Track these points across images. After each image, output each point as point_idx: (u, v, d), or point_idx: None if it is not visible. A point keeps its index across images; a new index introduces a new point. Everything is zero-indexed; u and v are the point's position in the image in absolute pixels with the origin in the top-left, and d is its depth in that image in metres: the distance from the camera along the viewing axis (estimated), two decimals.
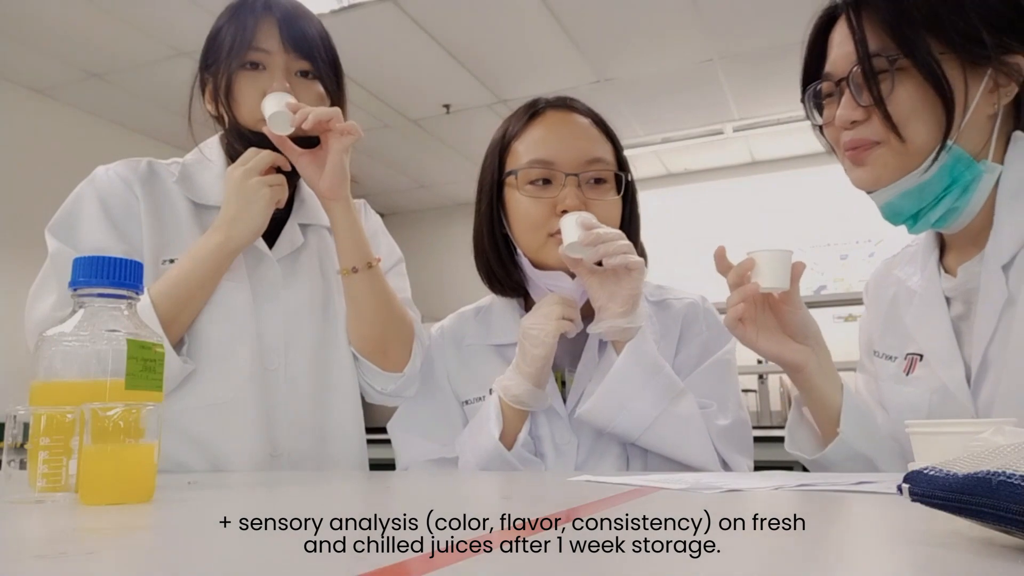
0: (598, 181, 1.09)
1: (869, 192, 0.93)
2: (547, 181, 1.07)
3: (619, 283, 1.02)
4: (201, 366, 1.09)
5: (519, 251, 1.09)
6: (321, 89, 1.17)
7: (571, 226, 1.00)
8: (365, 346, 1.19)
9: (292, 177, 1.18)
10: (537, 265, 1.08)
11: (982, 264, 0.89)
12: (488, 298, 1.23)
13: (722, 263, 0.98)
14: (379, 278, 1.17)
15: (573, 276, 1.07)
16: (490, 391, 1.11)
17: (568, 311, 1.04)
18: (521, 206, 1.08)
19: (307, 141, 1.13)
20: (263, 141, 1.12)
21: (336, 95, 1.20)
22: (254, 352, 1.12)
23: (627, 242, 1.01)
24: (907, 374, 0.99)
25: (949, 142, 0.85)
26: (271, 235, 1.20)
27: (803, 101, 0.98)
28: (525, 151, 1.09)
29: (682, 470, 1.00)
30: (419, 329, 1.22)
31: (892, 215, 0.93)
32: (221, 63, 1.13)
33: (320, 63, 1.16)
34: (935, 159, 0.86)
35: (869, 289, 1.12)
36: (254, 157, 1.10)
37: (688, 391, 1.03)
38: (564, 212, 1.04)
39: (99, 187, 1.13)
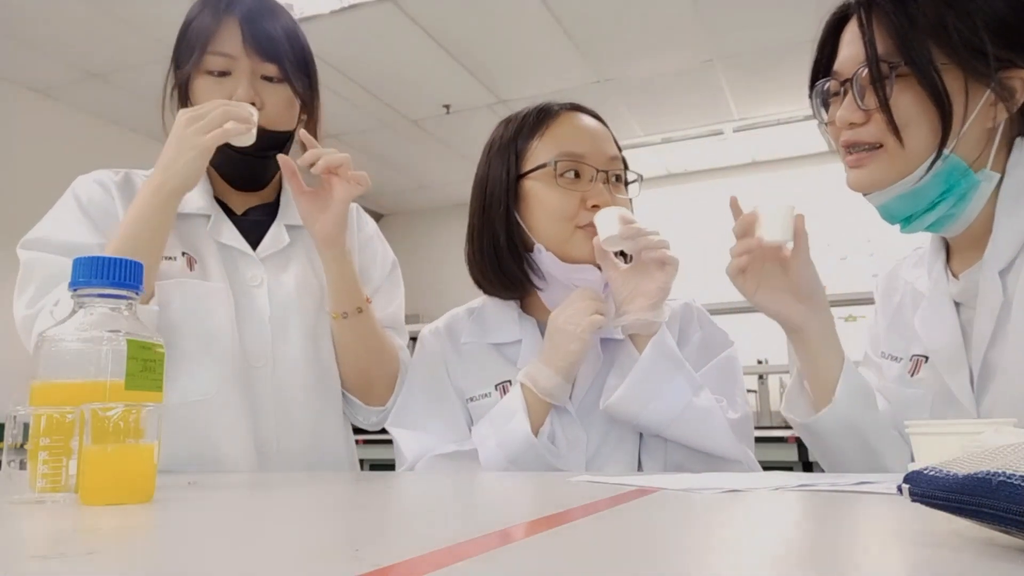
0: (617, 179, 1.12)
1: (865, 195, 0.94)
2: (575, 175, 1.09)
3: (649, 277, 1.04)
4: (180, 364, 1.09)
5: (537, 247, 1.09)
6: (290, 92, 1.15)
7: (611, 219, 1.02)
8: (351, 383, 1.23)
9: (273, 156, 1.17)
10: (562, 259, 1.09)
11: (980, 270, 0.90)
12: (479, 300, 1.22)
13: (736, 211, 1.00)
14: (369, 321, 1.18)
15: (600, 269, 1.09)
16: (495, 387, 1.12)
17: (600, 306, 1.05)
18: (551, 199, 1.08)
19: (272, 141, 1.14)
20: (234, 148, 1.11)
21: (308, 95, 1.18)
22: (235, 350, 1.12)
23: (664, 238, 1.03)
24: (912, 375, 0.99)
25: (945, 151, 0.86)
26: (257, 236, 1.20)
27: (811, 98, 0.98)
28: (551, 147, 1.10)
29: (702, 460, 1.02)
30: (404, 357, 1.26)
31: (887, 216, 0.95)
32: (184, 65, 1.13)
33: (287, 64, 1.13)
34: (930, 167, 0.87)
35: (879, 287, 1.13)
36: (210, 111, 1.04)
37: (704, 385, 1.05)
38: (595, 207, 1.06)
39: (76, 193, 1.14)
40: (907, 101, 0.86)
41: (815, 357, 0.98)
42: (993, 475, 0.34)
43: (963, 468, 0.36)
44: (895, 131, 0.87)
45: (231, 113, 1.03)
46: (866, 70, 0.87)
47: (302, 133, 1.11)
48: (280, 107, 1.14)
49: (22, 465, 0.67)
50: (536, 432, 1.03)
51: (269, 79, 1.14)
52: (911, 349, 1.01)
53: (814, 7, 0.98)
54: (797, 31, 3.53)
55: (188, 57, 1.12)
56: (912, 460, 0.68)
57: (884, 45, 0.87)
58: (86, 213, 1.12)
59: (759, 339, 2.98)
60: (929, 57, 0.85)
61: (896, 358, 1.03)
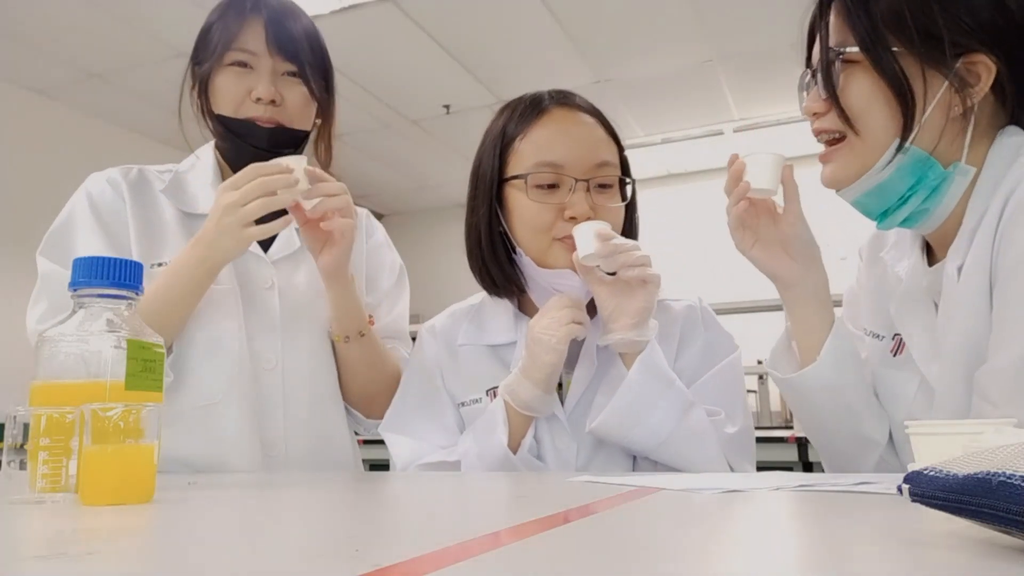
0: (604, 186, 1.07)
1: (837, 191, 0.93)
2: (553, 185, 1.04)
3: (632, 295, 1.00)
4: (190, 369, 1.09)
5: (519, 250, 1.07)
6: (306, 90, 1.17)
7: (588, 236, 0.98)
8: (352, 399, 1.24)
9: (288, 153, 1.16)
10: (541, 266, 1.07)
11: (943, 269, 0.88)
12: (479, 296, 1.20)
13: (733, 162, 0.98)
14: (371, 341, 1.19)
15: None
16: (486, 392, 1.10)
17: (578, 314, 1.01)
18: (527, 210, 1.05)
19: (289, 139, 1.15)
20: (246, 129, 1.13)
21: (324, 98, 1.20)
22: (244, 353, 1.12)
23: (645, 254, 1.00)
24: (894, 355, 0.97)
25: (907, 144, 0.84)
26: (268, 238, 1.20)
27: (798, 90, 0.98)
28: (532, 152, 1.06)
29: None
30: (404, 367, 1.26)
31: (863, 212, 0.94)
32: (206, 61, 1.14)
33: (305, 64, 1.16)
34: (894, 156, 0.85)
35: (863, 252, 1.10)
36: (246, 186, 1.02)
37: (696, 402, 1.02)
38: (572, 219, 1.02)
39: (90, 193, 1.15)
40: (861, 89, 0.86)
41: (805, 315, 0.96)
42: (993, 475, 0.34)
43: (963, 468, 0.36)
44: (846, 119, 0.87)
45: (267, 185, 1.01)
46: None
47: (307, 168, 1.07)
48: (298, 104, 1.16)
49: (22, 465, 0.67)
50: (517, 445, 1.01)
51: (289, 76, 1.16)
52: (894, 328, 0.98)
53: (814, 8, 0.97)
54: (797, 31, 3.51)
55: (210, 54, 1.14)
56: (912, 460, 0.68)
57: (840, 33, 0.88)
58: (99, 218, 1.12)
59: (759, 339, 2.98)
60: (885, 43, 0.84)
61: (879, 336, 1.00)
